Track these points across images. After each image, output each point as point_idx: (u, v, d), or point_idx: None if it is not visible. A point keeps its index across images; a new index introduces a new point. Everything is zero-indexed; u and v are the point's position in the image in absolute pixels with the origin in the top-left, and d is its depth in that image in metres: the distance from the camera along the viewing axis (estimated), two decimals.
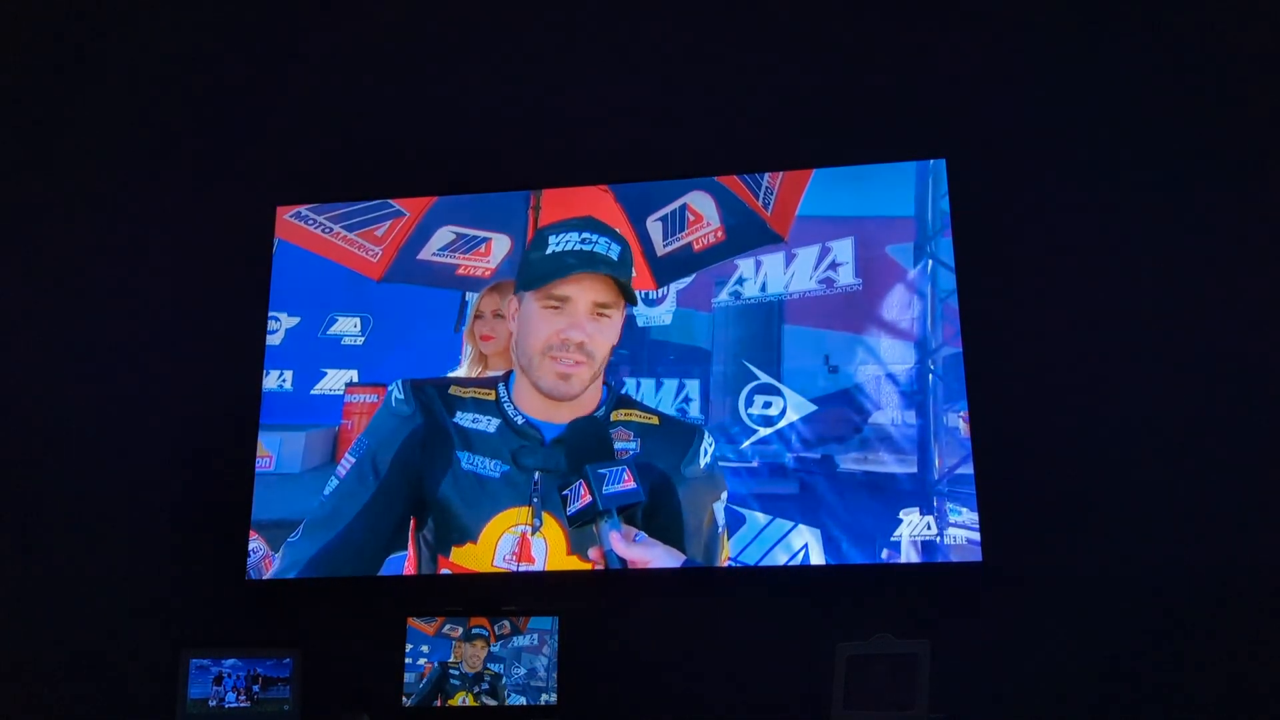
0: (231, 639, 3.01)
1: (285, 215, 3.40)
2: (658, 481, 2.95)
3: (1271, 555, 2.79)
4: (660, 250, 3.22)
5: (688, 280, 3.18)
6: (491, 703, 2.83)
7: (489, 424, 3.06)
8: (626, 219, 3.24)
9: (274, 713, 2.89)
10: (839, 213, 3.15)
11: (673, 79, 3.45)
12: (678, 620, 3.01)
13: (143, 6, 3.71)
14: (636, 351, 3.14)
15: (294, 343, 3.30)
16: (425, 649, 2.88)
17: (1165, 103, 3.15)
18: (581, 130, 3.44)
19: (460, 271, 3.29)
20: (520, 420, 3.03)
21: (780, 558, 2.95)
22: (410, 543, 3.03)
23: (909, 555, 2.90)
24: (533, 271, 3.06)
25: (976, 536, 2.87)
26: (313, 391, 3.26)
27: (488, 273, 3.28)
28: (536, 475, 2.99)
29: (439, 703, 2.84)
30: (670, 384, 3.12)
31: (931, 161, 3.13)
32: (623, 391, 3.10)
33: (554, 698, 2.82)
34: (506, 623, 2.88)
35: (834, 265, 3.12)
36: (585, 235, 3.00)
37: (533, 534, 2.97)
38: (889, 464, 2.97)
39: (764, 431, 3.04)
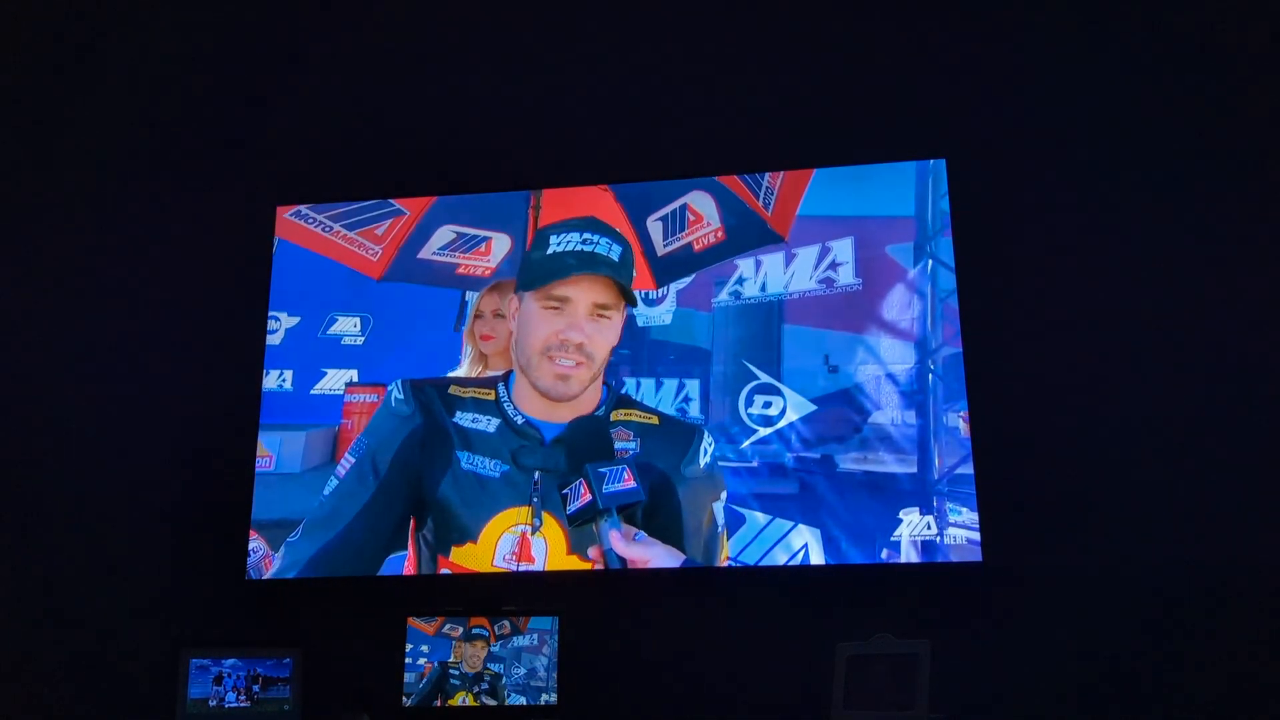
0: (231, 639, 3.01)
1: (285, 214, 3.40)
2: (657, 481, 2.95)
3: (1271, 555, 2.79)
4: (660, 250, 3.22)
5: (688, 280, 3.18)
6: (491, 703, 2.83)
7: (489, 424, 3.05)
8: (627, 219, 3.24)
9: (274, 713, 2.89)
10: (839, 212, 3.15)
11: (673, 79, 3.45)
12: (677, 620, 3.01)
13: (143, 6, 3.71)
14: (636, 351, 3.14)
15: (294, 342, 3.30)
16: (425, 649, 2.88)
17: (1165, 103, 3.15)
18: (581, 130, 3.44)
19: (460, 271, 3.29)
20: (520, 420, 3.03)
21: (780, 557, 2.95)
22: (410, 542, 3.03)
23: (909, 555, 2.90)
24: (533, 271, 3.06)
25: (976, 536, 2.87)
26: (313, 391, 3.26)
27: (488, 272, 3.28)
28: (536, 475, 2.99)
29: (439, 703, 2.84)
30: (670, 384, 3.12)
31: (931, 161, 3.13)
32: (623, 391, 3.10)
33: (554, 698, 2.82)
34: (506, 622, 2.88)
35: (834, 265, 3.12)
36: (587, 235, 3.00)
37: (533, 534, 2.97)
38: (889, 464, 2.97)
39: (764, 431, 3.04)
